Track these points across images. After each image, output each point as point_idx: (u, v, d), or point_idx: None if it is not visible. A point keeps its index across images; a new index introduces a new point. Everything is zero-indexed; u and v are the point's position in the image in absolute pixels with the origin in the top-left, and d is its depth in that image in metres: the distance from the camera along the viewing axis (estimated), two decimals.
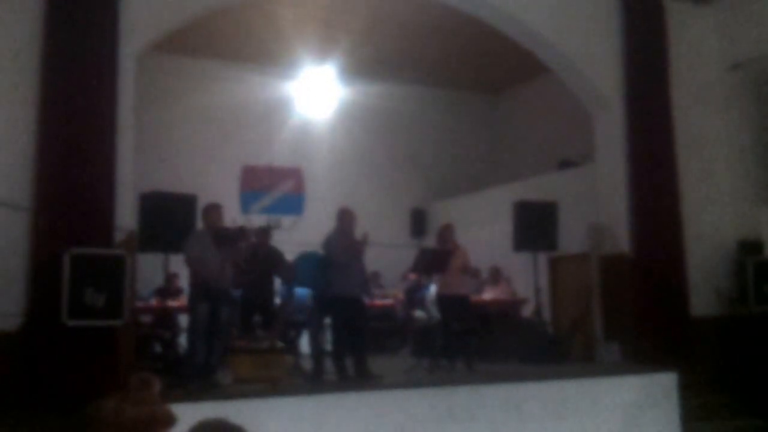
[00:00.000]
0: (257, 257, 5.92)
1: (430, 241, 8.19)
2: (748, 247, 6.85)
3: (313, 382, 5.31)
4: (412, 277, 8.30)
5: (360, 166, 10.29)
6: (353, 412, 4.66)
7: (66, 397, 3.97)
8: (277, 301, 6.89)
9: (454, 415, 4.91)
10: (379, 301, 8.71)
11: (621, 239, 6.64)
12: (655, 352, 6.04)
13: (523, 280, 7.70)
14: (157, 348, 5.71)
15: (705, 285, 6.74)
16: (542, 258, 7.47)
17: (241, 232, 5.37)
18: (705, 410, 5.77)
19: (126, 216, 4.91)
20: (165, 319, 5.96)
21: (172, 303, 6.56)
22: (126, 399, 1.61)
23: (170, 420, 1.59)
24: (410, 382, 5.38)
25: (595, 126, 7.16)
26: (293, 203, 10.02)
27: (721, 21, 7.36)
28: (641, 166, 6.68)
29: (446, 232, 6.33)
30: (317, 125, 10.19)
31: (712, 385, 6.05)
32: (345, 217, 5.65)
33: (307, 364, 5.95)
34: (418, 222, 10.68)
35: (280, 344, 5.33)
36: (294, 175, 10.12)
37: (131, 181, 4.99)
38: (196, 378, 4.81)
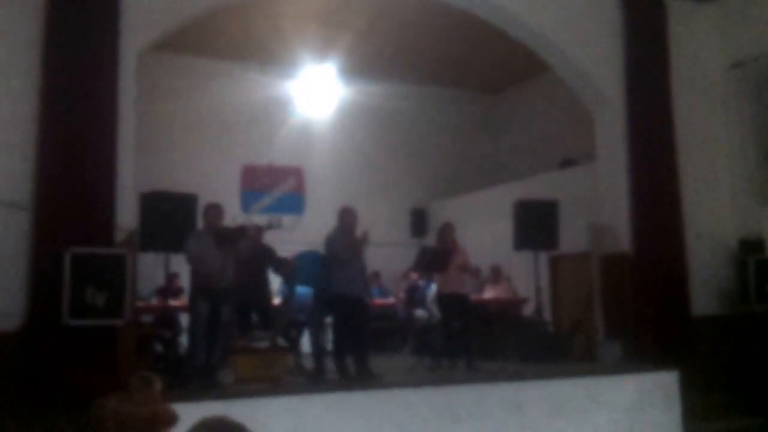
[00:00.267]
0: (252, 256, 5.91)
1: (431, 241, 8.18)
2: (749, 246, 6.85)
3: (315, 382, 5.31)
4: (413, 276, 8.30)
5: (360, 165, 10.29)
6: (354, 411, 4.66)
7: (67, 397, 3.97)
8: (277, 300, 6.89)
9: (455, 414, 4.91)
10: (379, 301, 8.71)
11: (622, 238, 6.63)
12: (656, 351, 6.04)
13: (523, 279, 7.70)
14: (158, 347, 5.70)
15: (706, 284, 6.73)
16: (543, 257, 7.46)
17: (241, 231, 5.37)
18: (706, 409, 5.77)
19: (127, 215, 4.90)
20: (166, 318, 5.95)
21: (173, 302, 6.56)
22: (127, 398, 1.60)
23: (171, 419, 1.59)
24: (411, 381, 5.37)
25: (595, 125, 7.15)
26: (294, 202, 10.03)
27: (722, 20, 7.35)
28: (642, 165, 6.67)
29: (446, 231, 6.33)
30: (318, 124, 10.19)
31: (714, 384, 6.05)
32: (346, 216, 5.65)
33: (309, 364, 5.95)
34: (419, 221, 10.68)
35: (281, 343, 5.33)
36: (294, 174, 10.12)
37: (132, 180, 4.98)
38: (197, 377, 4.81)
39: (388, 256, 8.90)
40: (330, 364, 5.45)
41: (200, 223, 5.42)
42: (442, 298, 6.31)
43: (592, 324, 6.97)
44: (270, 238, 6.70)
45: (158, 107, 8.75)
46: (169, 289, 6.48)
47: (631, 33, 6.85)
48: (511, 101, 11.40)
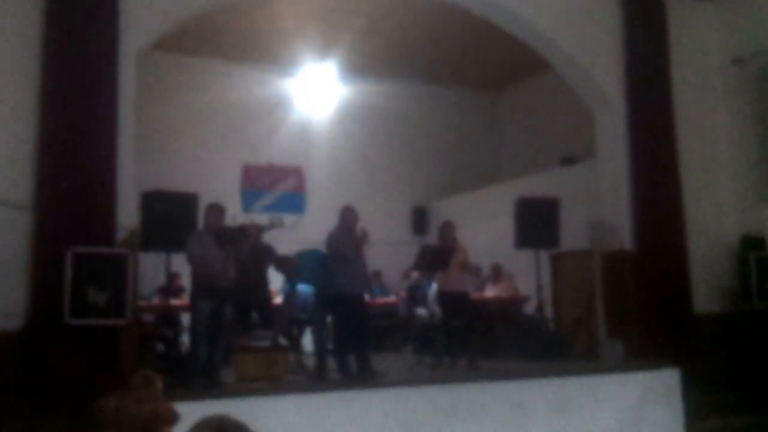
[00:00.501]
0: (252, 255, 5.91)
1: (432, 239, 8.18)
2: (751, 243, 6.83)
3: (316, 380, 5.31)
4: (414, 274, 8.30)
5: (361, 163, 10.28)
6: (356, 410, 4.66)
7: (69, 396, 3.98)
8: (278, 299, 6.90)
9: (457, 412, 4.91)
10: (381, 299, 8.71)
11: (623, 236, 6.62)
12: (657, 349, 6.03)
13: (525, 277, 7.69)
14: (160, 347, 5.71)
15: (707, 281, 6.72)
16: (544, 255, 7.46)
17: (241, 231, 5.37)
18: (708, 407, 5.76)
19: (127, 215, 4.90)
20: (167, 317, 5.95)
21: (175, 302, 6.56)
22: (129, 397, 1.60)
23: (173, 417, 1.59)
24: (413, 379, 5.37)
25: (596, 122, 7.14)
26: (294, 202, 10.03)
27: (722, 16, 7.34)
28: (643, 162, 6.66)
29: (447, 230, 6.33)
30: (318, 123, 10.19)
31: (715, 381, 6.04)
32: (347, 215, 5.65)
33: (310, 362, 5.95)
34: (420, 220, 10.68)
35: (282, 342, 5.34)
36: (295, 173, 10.12)
37: (132, 179, 4.98)
38: (198, 376, 4.81)
39: (389, 255, 8.90)
40: (331, 362, 5.45)
41: (201, 222, 5.42)
42: (442, 297, 6.31)
43: (594, 322, 6.97)
44: (271, 238, 6.71)
45: (158, 107, 8.75)
46: (170, 289, 6.48)
47: (631, 30, 6.84)
48: (512, 99, 11.38)
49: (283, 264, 6.08)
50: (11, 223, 4.48)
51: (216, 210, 5.29)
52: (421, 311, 7.89)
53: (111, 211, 4.71)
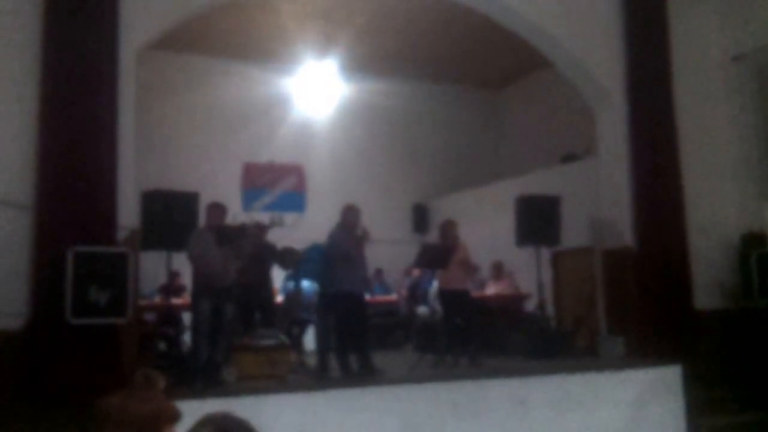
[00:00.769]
0: (255, 254, 5.92)
1: (432, 237, 8.18)
2: (752, 240, 6.83)
3: (318, 379, 5.32)
4: (415, 273, 8.31)
5: (361, 162, 10.28)
6: (357, 408, 4.67)
7: (70, 395, 3.98)
8: (279, 298, 6.90)
9: (459, 410, 4.91)
10: (382, 297, 8.72)
11: (624, 233, 6.62)
12: (659, 346, 6.03)
13: (526, 274, 7.69)
14: (162, 346, 5.72)
15: (709, 278, 6.72)
16: (545, 252, 7.45)
17: (242, 230, 5.38)
18: (709, 404, 5.76)
19: (128, 214, 4.91)
20: (169, 316, 5.96)
21: (176, 301, 6.57)
22: (130, 396, 1.60)
23: (175, 416, 1.59)
24: (414, 377, 5.38)
25: (597, 119, 7.13)
26: (295, 200, 10.03)
27: (723, 12, 7.32)
28: (644, 159, 6.65)
29: (448, 228, 6.33)
30: (318, 122, 10.18)
31: (717, 378, 6.04)
32: (349, 214, 5.65)
33: (311, 361, 5.96)
34: (420, 218, 10.68)
35: (284, 340, 5.34)
36: (295, 172, 10.12)
37: (133, 179, 4.98)
38: (200, 375, 4.82)
39: (390, 253, 8.90)
40: (333, 361, 5.46)
41: (202, 221, 5.43)
42: (443, 295, 6.32)
43: (595, 319, 6.97)
44: (272, 237, 6.70)
45: (159, 106, 8.75)
46: (171, 288, 6.49)
47: (632, 27, 6.83)
48: (512, 97, 11.37)
49: (287, 255, 6.09)
50: (12, 223, 4.49)
51: (217, 209, 5.29)
52: (422, 309, 7.90)
53: (112, 211, 4.72)
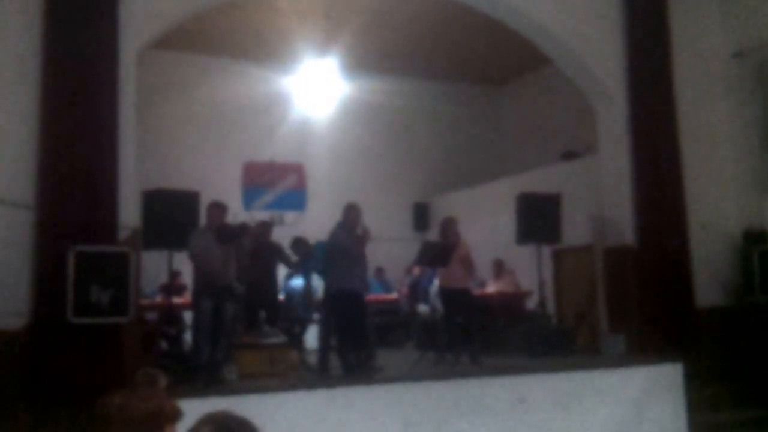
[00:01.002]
0: (259, 253, 5.93)
1: (433, 235, 8.18)
2: (753, 237, 6.82)
3: (319, 377, 5.33)
4: (416, 271, 8.31)
5: (362, 160, 10.28)
6: (359, 406, 4.67)
7: (72, 394, 3.99)
8: (280, 297, 6.90)
9: (460, 408, 4.92)
10: (382, 296, 8.72)
11: (625, 230, 6.61)
12: (660, 344, 6.03)
13: (526, 272, 7.68)
14: (163, 345, 5.73)
15: (710, 275, 6.71)
16: (546, 250, 7.45)
17: (242, 228, 5.38)
18: (711, 401, 5.77)
19: (129, 213, 4.91)
20: (170, 316, 5.98)
21: (177, 300, 6.58)
22: (132, 395, 1.61)
23: (177, 414, 1.60)
24: (415, 375, 5.38)
25: (598, 117, 7.12)
26: (295, 199, 10.03)
27: (723, 9, 7.31)
28: (645, 157, 6.64)
29: (448, 226, 6.33)
30: (318, 120, 10.17)
31: (718, 375, 6.04)
32: (350, 213, 5.66)
33: (312, 359, 5.97)
34: (421, 216, 10.68)
35: (289, 335, 5.36)
36: (296, 170, 10.12)
37: (134, 178, 4.99)
38: (201, 374, 4.83)
39: (391, 251, 8.91)
40: (334, 359, 5.47)
41: (203, 220, 5.43)
42: (444, 293, 6.32)
43: (596, 317, 6.97)
44: (273, 236, 6.71)
45: (159, 105, 8.75)
46: (172, 287, 6.50)
47: (632, 24, 6.82)
48: (513, 94, 11.36)
49: (299, 245, 6.09)
50: (13, 223, 4.49)
51: (217, 208, 5.30)
52: (423, 307, 7.90)
53: (113, 210, 4.72)
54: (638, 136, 6.69)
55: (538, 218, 6.73)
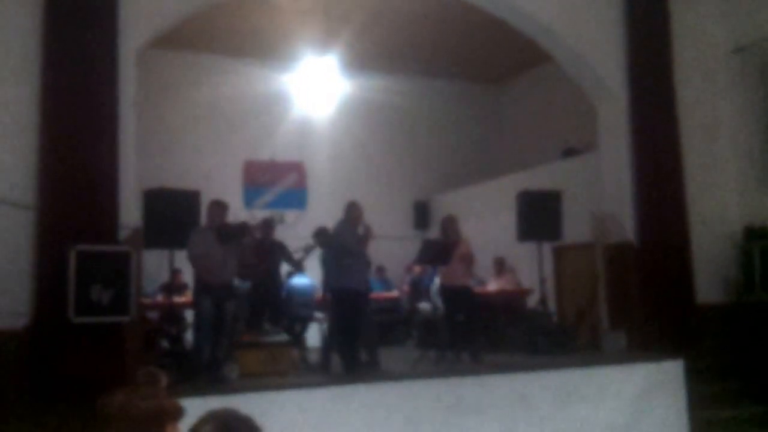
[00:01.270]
0: (262, 250, 5.94)
1: (434, 233, 8.18)
2: (755, 233, 6.82)
3: (321, 374, 5.33)
4: (417, 269, 8.31)
5: (362, 158, 10.28)
6: (360, 404, 4.68)
7: (74, 394, 4.00)
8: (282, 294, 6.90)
9: (461, 405, 4.92)
10: (383, 294, 8.72)
11: (626, 227, 6.61)
12: (661, 340, 6.04)
13: (527, 270, 7.69)
14: (164, 343, 5.74)
15: (711, 272, 6.71)
16: (547, 248, 7.45)
17: (243, 227, 5.38)
18: (712, 397, 5.77)
19: (130, 212, 4.92)
20: (171, 314, 5.99)
21: (178, 299, 6.59)
22: (134, 393, 1.61)
23: (179, 412, 1.60)
24: (416, 373, 5.39)
25: (598, 114, 7.11)
26: (296, 198, 10.03)
27: (724, 5, 7.29)
28: (645, 154, 6.64)
29: (448, 224, 6.33)
30: (319, 118, 10.16)
31: (719, 372, 6.04)
32: (352, 211, 5.66)
33: (313, 358, 5.97)
34: (421, 214, 10.68)
35: (284, 337, 5.36)
36: (296, 169, 10.12)
37: (135, 177, 4.99)
38: (202, 373, 4.84)
39: (392, 250, 8.90)
40: (336, 357, 5.47)
41: (204, 219, 5.44)
42: (445, 291, 6.32)
43: (597, 314, 6.97)
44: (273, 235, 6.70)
45: (159, 104, 8.75)
46: (173, 285, 6.51)
47: (633, 19, 6.80)
48: (513, 92, 11.34)
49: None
50: (15, 222, 4.50)
51: (218, 207, 5.30)
52: (423, 305, 7.90)
53: (114, 209, 4.73)
54: (639, 133, 6.68)
55: (538, 216, 6.72)
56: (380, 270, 9.08)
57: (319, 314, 6.57)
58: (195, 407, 1.61)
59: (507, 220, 7.17)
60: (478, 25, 8.17)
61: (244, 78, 9.53)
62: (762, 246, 6.67)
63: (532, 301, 7.68)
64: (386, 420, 4.69)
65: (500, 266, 8.15)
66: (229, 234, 5.16)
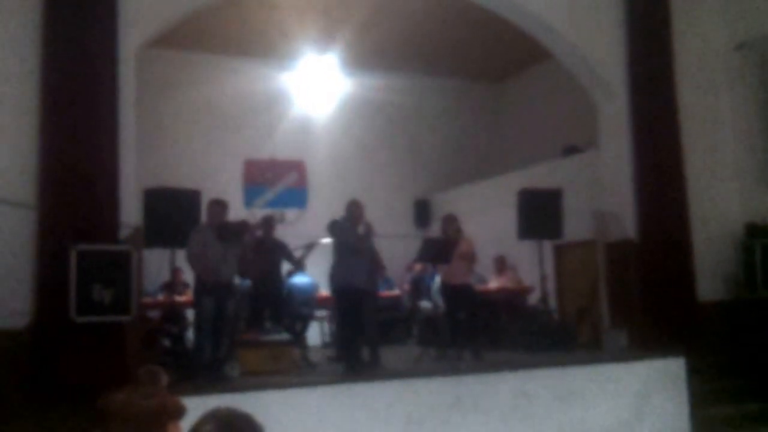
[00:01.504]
0: (263, 248, 5.94)
1: (435, 232, 8.18)
2: (756, 230, 6.81)
3: (320, 374, 5.34)
4: (417, 267, 8.31)
5: (362, 157, 10.27)
6: (361, 402, 4.68)
7: (75, 393, 4.00)
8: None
9: (462, 403, 4.92)
10: (384, 292, 8.72)
11: (626, 225, 6.60)
12: (662, 338, 6.03)
13: (528, 268, 7.69)
14: (165, 342, 5.74)
15: (712, 270, 6.71)
16: (547, 246, 7.45)
17: (243, 226, 5.38)
18: (713, 395, 5.77)
19: (130, 212, 4.92)
20: (172, 313, 5.99)
21: (179, 298, 6.59)
22: (135, 392, 1.61)
23: (179, 411, 1.60)
24: (417, 371, 5.39)
25: (599, 112, 7.11)
26: (296, 197, 10.03)
27: (725, 1, 7.27)
28: (646, 151, 6.63)
29: (447, 223, 6.33)
30: (319, 117, 10.16)
31: (720, 370, 6.04)
32: (353, 209, 5.66)
33: (314, 357, 5.98)
34: (422, 212, 10.67)
35: (285, 335, 5.36)
36: (296, 168, 10.11)
37: (135, 176, 4.99)
38: (204, 372, 4.84)
39: (392, 248, 8.88)
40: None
41: (204, 218, 5.44)
42: (446, 289, 6.32)
43: (598, 312, 6.97)
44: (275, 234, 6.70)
45: (159, 103, 8.74)
46: (174, 285, 6.51)
47: (634, 17, 6.79)
48: (513, 90, 11.33)
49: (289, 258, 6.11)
50: (15, 222, 4.50)
51: (218, 205, 5.30)
52: (424, 304, 7.90)
53: (114, 209, 4.73)
54: (640, 131, 6.67)
55: (539, 214, 6.72)
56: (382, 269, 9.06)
57: (319, 313, 6.58)
58: (196, 406, 1.61)
59: (508, 218, 7.16)
60: (478, 22, 8.16)
61: (244, 77, 9.52)
62: (763, 243, 6.66)
63: (533, 299, 7.68)
64: (387, 418, 4.69)
65: (501, 264, 8.14)
66: (230, 232, 5.16)
